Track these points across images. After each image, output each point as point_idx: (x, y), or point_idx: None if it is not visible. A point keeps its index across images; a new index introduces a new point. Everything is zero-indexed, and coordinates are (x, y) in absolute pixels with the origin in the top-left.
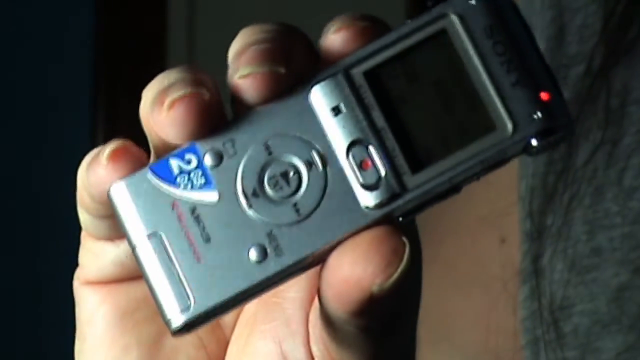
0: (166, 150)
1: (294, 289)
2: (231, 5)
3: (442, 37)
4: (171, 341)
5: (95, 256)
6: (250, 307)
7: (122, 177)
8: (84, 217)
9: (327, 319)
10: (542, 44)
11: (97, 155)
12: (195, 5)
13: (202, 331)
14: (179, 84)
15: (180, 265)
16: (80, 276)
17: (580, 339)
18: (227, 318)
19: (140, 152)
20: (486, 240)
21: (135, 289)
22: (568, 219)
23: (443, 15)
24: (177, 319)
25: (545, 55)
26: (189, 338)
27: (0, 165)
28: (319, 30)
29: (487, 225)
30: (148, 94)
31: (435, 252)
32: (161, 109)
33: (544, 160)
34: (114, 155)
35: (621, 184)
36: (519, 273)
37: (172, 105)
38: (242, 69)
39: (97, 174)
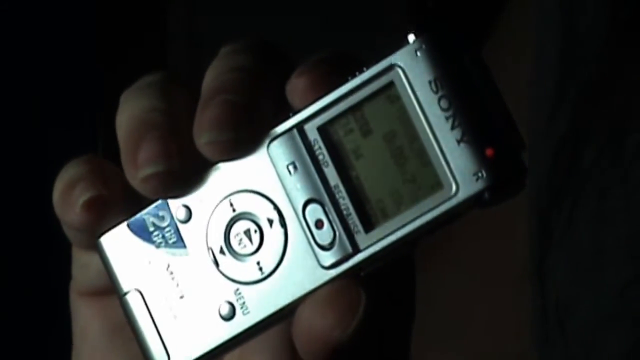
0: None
1: (281, 325)
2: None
3: (391, 90)
4: None
5: (84, 267)
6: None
7: (107, 229)
8: (66, 229)
9: None
10: (552, 45)
11: (71, 194)
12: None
13: None
14: (150, 159)
15: (158, 322)
16: (73, 288)
17: (585, 337)
18: None
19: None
20: (498, 239)
21: None
22: (573, 218)
23: (390, 68)
24: None
25: (555, 55)
26: None
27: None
28: (320, 31)
29: (498, 224)
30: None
31: (447, 251)
32: (134, 174)
33: (550, 160)
34: (89, 206)
35: (626, 182)
36: (527, 272)
37: (144, 180)
38: (204, 134)
39: (71, 217)
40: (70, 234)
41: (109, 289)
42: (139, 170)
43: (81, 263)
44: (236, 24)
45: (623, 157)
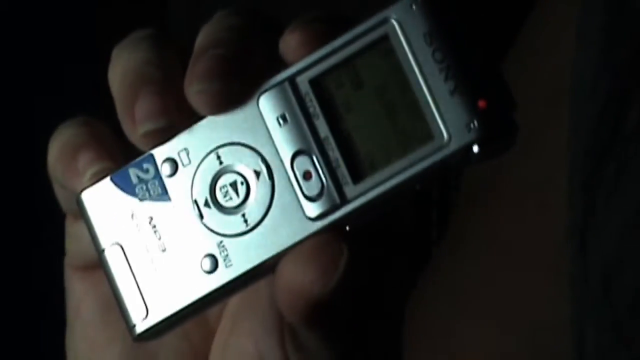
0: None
1: (270, 289)
2: None
3: (385, 44)
4: None
5: (77, 239)
6: (235, 300)
7: (89, 185)
8: (58, 190)
9: (291, 327)
10: (596, 3)
11: (76, 161)
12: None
13: (188, 323)
14: (149, 115)
15: (138, 275)
16: (67, 263)
17: (631, 299)
18: (213, 310)
19: (116, 158)
20: (537, 215)
21: None
22: (619, 180)
23: (385, 21)
24: (135, 327)
25: (601, 14)
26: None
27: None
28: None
29: (538, 193)
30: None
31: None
32: (133, 129)
33: (595, 121)
34: (97, 177)
35: None
36: (566, 229)
37: (145, 136)
38: (195, 83)
39: (74, 183)
40: (65, 202)
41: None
42: (138, 126)
43: (74, 234)
44: None
45: None
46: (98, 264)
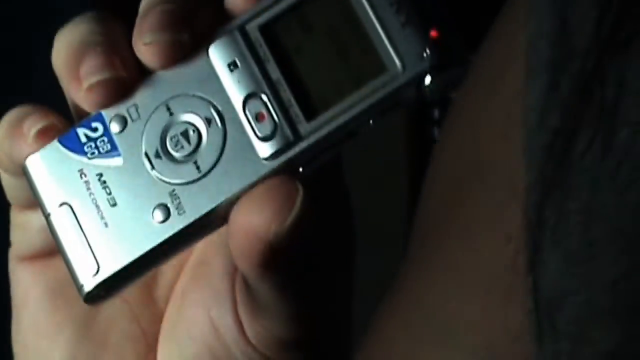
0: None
1: (220, 258)
2: None
3: None
4: (104, 317)
5: (23, 229)
6: (183, 278)
7: (35, 150)
8: (5, 179)
9: (244, 281)
10: (545, 38)
11: (21, 127)
12: None
13: (136, 305)
14: (95, 69)
15: (88, 232)
16: (12, 254)
17: (575, 330)
18: (161, 291)
19: (62, 123)
20: (491, 239)
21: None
22: (564, 211)
23: None
24: (86, 285)
25: (548, 48)
26: (123, 312)
27: None
28: None
29: (492, 223)
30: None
31: (439, 252)
32: (79, 87)
33: (543, 153)
34: (41, 135)
35: (617, 176)
36: (519, 266)
37: (90, 89)
38: (145, 35)
39: (21, 149)
40: (10, 191)
41: (49, 249)
42: (83, 80)
43: (20, 224)
44: None
45: (613, 151)
46: (44, 252)
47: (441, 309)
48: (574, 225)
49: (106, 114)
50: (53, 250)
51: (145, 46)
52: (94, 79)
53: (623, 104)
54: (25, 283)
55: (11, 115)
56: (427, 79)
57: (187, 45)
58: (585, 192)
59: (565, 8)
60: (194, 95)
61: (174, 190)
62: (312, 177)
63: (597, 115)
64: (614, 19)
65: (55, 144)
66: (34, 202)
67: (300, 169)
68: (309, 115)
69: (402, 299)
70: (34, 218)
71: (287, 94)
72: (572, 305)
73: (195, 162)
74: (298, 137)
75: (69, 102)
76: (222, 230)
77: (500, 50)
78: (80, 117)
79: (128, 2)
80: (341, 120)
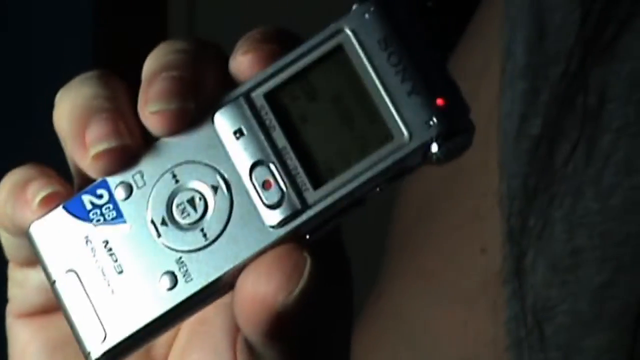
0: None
1: (220, 317)
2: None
3: (339, 53)
4: None
5: (21, 286)
6: (182, 337)
7: (40, 216)
8: (4, 238)
9: (249, 345)
10: (521, 43)
11: (25, 193)
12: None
13: None
14: (101, 136)
15: (94, 299)
16: (10, 311)
17: (563, 339)
18: (158, 350)
19: (66, 188)
20: (466, 250)
21: (64, 323)
22: (549, 219)
23: (339, 31)
24: (93, 353)
25: (525, 54)
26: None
27: None
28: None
29: (466, 234)
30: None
31: (414, 264)
32: (85, 155)
33: (525, 160)
34: (46, 202)
35: (600, 182)
36: (500, 275)
37: (96, 157)
38: (151, 104)
39: (25, 214)
40: (8, 248)
41: (48, 306)
42: (89, 148)
43: (18, 281)
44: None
45: (595, 158)
46: (43, 309)
47: (419, 321)
48: (558, 233)
49: (111, 180)
50: (51, 307)
51: (152, 114)
52: (100, 147)
53: (605, 110)
54: (23, 339)
55: (15, 177)
56: (434, 147)
57: (193, 113)
58: (569, 199)
59: (542, 13)
60: (200, 163)
61: (180, 258)
62: (317, 244)
63: (580, 122)
64: (597, 18)
65: (61, 210)
66: (33, 260)
67: (307, 236)
68: (316, 183)
69: (379, 312)
70: (33, 275)
71: (293, 161)
72: (559, 314)
73: (202, 230)
74: (305, 205)
75: (70, 164)
76: None
77: (478, 53)
78: (80, 176)
79: (130, 58)
80: (348, 188)
